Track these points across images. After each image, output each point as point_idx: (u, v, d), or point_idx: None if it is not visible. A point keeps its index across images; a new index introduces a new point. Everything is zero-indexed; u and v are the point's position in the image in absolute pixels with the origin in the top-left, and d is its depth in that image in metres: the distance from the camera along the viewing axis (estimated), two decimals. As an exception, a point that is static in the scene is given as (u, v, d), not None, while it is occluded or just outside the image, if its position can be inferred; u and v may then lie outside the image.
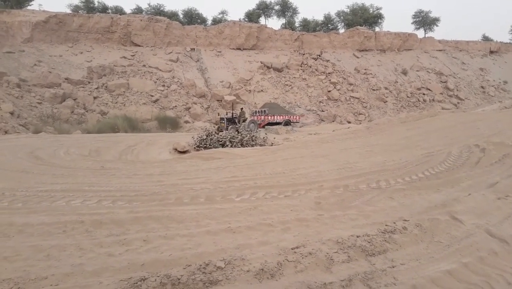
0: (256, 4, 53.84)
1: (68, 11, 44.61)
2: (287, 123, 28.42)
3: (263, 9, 53.89)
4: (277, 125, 27.42)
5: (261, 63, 44.04)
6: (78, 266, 3.13)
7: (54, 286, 2.77)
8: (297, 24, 54.34)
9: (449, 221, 3.98)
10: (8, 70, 31.33)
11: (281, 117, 28.63)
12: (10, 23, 37.39)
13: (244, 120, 24.75)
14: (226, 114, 26.71)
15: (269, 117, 27.78)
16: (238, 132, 16.09)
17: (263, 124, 27.06)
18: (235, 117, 24.71)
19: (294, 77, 43.35)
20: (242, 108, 27.20)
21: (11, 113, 24.37)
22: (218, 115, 27.75)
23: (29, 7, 42.96)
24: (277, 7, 54.38)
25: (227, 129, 23.58)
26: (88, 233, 4.02)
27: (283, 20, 55.18)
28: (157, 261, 3.18)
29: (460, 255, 3.19)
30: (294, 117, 30.22)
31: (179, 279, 2.73)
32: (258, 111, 28.77)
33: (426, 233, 3.69)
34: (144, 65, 39.96)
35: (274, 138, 17.15)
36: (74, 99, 31.28)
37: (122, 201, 5.48)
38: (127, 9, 48.11)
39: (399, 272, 2.92)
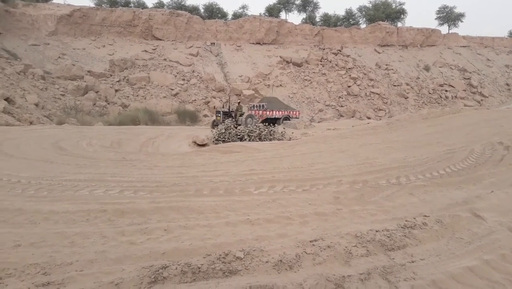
0: (277, -1, 53.63)
1: (92, 5, 45.48)
2: (286, 119, 26.97)
3: (284, 4, 53.61)
4: (276, 121, 25.80)
5: (281, 58, 43.86)
6: (101, 253, 3.22)
7: (79, 271, 2.86)
8: (318, 19, 53.93)
9: (470, 218, 3.92)
10: (34, 62, 32.13)
11: (280, 112, 27.17)
12: (35, 16, 38.29)
13: (241, 115, 23.97)
14: (223, 108, 25.82)
15: (268, 112, 26.33)
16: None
17: (262, 120, 25.49)
18: (231, 111, 23.98)
19: (314, 72, 43.03)
20: (239, 102, 26.31)
21: (36, 105, 25.02)
22: (214, 108, 26.54)
23: (54, 1, 43.85)
24: (298, 2, 54.05)
25: (223, 122, 22.67)
26: (111, 222, 4.12)
27: (303, 15, 54.86)
28: (177, 250, 3.24)
29: (481, 252, 3.15)
30: (294, 112, 28.64)
31: (199, 268, 2.79)
32: (256, 105, 27.20)
33: (447, 229, 3.64)
34: (164, 59, 40.36)
35: (292, 133, 17.10)
36: (96, 92, 31.86)
37: (143, 191, 5.59)
38: (149, 3, 48.64)
39: (419, 267, 2.90)
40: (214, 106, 28.59)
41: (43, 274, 2.83)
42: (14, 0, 39.74)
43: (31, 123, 20.91)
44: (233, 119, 23.30)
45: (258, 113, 25.81)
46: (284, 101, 37.29)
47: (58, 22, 39.23)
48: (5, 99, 22.03)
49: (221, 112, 23.48)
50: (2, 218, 4.19)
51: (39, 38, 37.35)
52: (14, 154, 9.60)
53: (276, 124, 20.13)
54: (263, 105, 26.57)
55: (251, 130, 15.06)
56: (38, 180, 6.33)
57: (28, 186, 5.89)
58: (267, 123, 22.56)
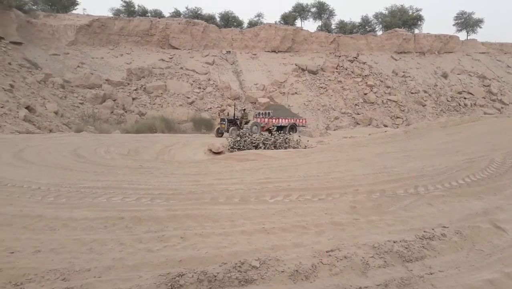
0: (293, 7, 53.96)
1: (110, 15, 46.37)
2: (293, 127, 26.57)
3: (299, 12, 53.81)
4: (282, 130, 24.97)
5: (296, 65, 43.92)
6: (119, 260, 3.25)
7: (97, 278, 2.90)
8: (333, 26, 53.86)
9: (491, 229, 3.83)
10: (54, 71, 32.95)
11: (287, 120, 26.82)
12: (56, 27, 39.34)
13: (246, 122, 23.65)
14: (228, 115, 25.44)
15: (274, 120, 25.93)
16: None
17: (267, 128, 24.96)
18: (236, 119, 23.63)
19: (329, 79, 42.90)
20: (244, 109, 26.02)
21: (55, 113, 25.63)
22: (219, 116, 26.34)
23: (74, 11, 44.97)
24: (313, 10, 54.12)
25: (227, 131, 22.51)
26: (128, 229, 4.16)
27: (319, 23, 54.93)
28: (193, 258, 3.25)
29: (502, 264, 3.07)
30: (301, 121, 28.29)
31: (215, 276, 2.79)
32: (262, 113, 26.64)
33: (466, 241, 3.57)
34: (181, 68, 40.87)
35: (308, 141, 17.05)
36: (114, 100, 32.43)
37: (160, 199, 5.64)
38: (166, 13, 49.28)
39: (438, 279, 2.85)
40: (219, 113, 28.41)
41: (62, 279, 2.87)
42: (35, 11, 40.94)
43: (50, 131, 21.39)
44: (238, 127, 23.04)
45: (264, 120, 25.55)
46: (299, 108, 37.29)
47: (77, 32, 40.22)
48: (26, 108, 22.63)
49: (226, 120, 23.19)
50: (23, 224, 4.28)
51: (59, 47, 38.32)
52: (35, 161, 9.82)
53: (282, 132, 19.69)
54: (269, 113, 26.24)
55: (266, 138, 15.05)
56: (57, 187, 6.45)
57: (48, 192, 6.01)
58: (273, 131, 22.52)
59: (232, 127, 22.52)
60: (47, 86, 29.61)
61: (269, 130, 22.86)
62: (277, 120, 26.14)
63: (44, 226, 4.22)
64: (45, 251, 3.46)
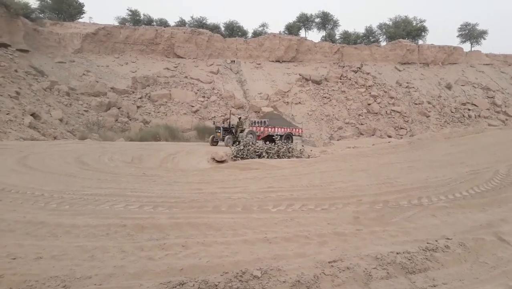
0: (297, 17, 54.25)
1: (116, 23, 46.82)
2: (288, 137, 25.71)
3: (304, 22, 54.11)
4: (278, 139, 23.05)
5: (300, 75, 44.08)
6: (120, 267, 3.24)
7: (98, 285, 2.89)
8: (337, 37, 54.08)
9: (495, 241, 3.80)
10: (59, 79, 33.24)
11: (283, 129, 26.02)
12: (62, 35, 39.80)
13: (242, 131, 23.02)
14: (223, 123, 24.87)
15: (269, 129, 25.16)
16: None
17: (262, 137, 24.60)
18: (232, 127, 23.07)
19: (333, 89, 43.00)
20: (240, 118, 25.20)
21: (60, 120, 25.79)
22: (214, 124, 25.25)
23: (80, 20, 45.49)
24: (317, 20, 54.43)
25: (223, 140, 22.12)
26: (130, 237, 4.16)
27: (323, 33, 55.16)
28: (195, 267, 3.24)
29: (507, 277, 3.04)
30: (297, 130, 27.57)
31: (216, 286, 2.78)
32: (258, 121, 26.16)
33: (470, 253, 3.54)
34: (186, 77, 41.12)
35: (311, 150, 17.03)
36: (119, 108, 32.61)
37: (162, 207, 5.64)
38: (171, 22, 49.71)
39: (441, 292, 2.82)
40: (214, 122, 27.34)
41: (63, 287, 2.87)
42: (42, 19, 41.46)
43: (55, 138, 21.51)
44: (234, 136, 22.68)
45: (260, 129, 24.92)
46: (303, 118, 37.29)
47: (83, 40, 40.66)
48: (31, 115, 22.79)
49: (221, 128, 22.69)
50: (26, 230, 4.29)
51: (65, 55, 38.71)
52: (39, 168, 9.86)
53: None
54: (265, 122, 25.68)
55: (270, 147, 15.04)
56: (61, 193, 6.47)
57: (51, 199, 6.02)
58: (268, 141, 22.10)
59: (227, 136, 22.13)
60: (53, 93, 29.84)
61: (271, 139, 22.35)
62: (273, 129, 25.46)
63: (46, 233, 4.23)
64: (47, 257, 3.46)
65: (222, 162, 13.52)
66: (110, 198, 6.21)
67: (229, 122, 23.69)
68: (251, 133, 22.96)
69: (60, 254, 3.56)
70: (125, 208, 5.56)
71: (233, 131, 23.00)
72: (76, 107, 30.10)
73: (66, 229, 4.34)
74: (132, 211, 5.41)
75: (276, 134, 24.41)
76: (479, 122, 41.63)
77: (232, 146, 21.81)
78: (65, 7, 43.51)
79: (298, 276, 2.97)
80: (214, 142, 22.59)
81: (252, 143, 15.39)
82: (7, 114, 21.00)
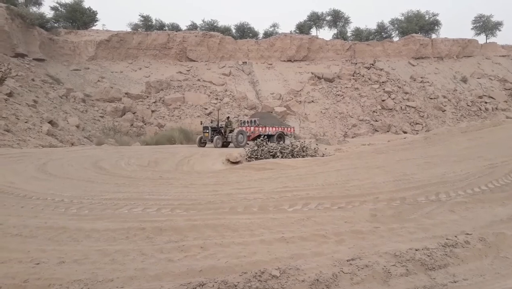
0: (308, 16, 54.11)
1: (128, 29, 47.43)
2: (280, 136, 24.62)
3: (314, 21, 53.93)
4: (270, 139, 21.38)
5: (312, 74, 43.93)
6: (141, 270, 3.29)
7: (120, 288, 2.94)
8: (349, 34, 53.77)
9: (517, 236, 3.73)
10: (75, 86, 33.87)
11: (274, 129, 24.84)
12: (77, 43, 40.52)
13: (231, 131, 22.28)
14: (211, 123, 23.92)
15: (260, 128, 24.07)
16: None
17: (253, 137, 23.01)
18: (221, 127, 22.37)
19: (346, 87, 42.72)
20: (228, 117, 24.65)
21: (77, 127, 26.25)
22: (201, 124, 23.93)
23: (93, 28, 46.22)
24: (328, 18, 54.16)
25: (211, 140, 21.25)
26: (149, 239, 4.21)
27: (334, 31, 54.88)
28: (214, 268, 3.27)
29: (529, 272, 2.98)
30: (289, 129, 26.49)
31: (235, 286, 2.80)
32: (248, 121, 25.01)
33: (491, 248, 3.48)
34: (198, 80, 41.42)
35: (326, 149, 16.94)
36: (134, 113, 33.04)
37: (180, 209, 5.69)
38: (183, 26, 50.10)
39: (462, 287, 2.78)
40: (201, 122, 25.71)
41: (86, 290, 2.93)
42: (57, 29, 42.27)
43: (72, 144, 21.89)
44: (223, 136, 22.02)
45: (250, 129, 23.87)
46: (316, 116, 37.15)
47: (97, 47, 41.31)
48: (49, 122, 23.24)
49: (209, 128, 21.80)
50: (48, 235, 4.38)
51: (80, 63, 39.42)
52: (58, 174, 10.04)
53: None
54: (255, 121, 24.46)
55: (284, 146, 15.00)
56: (80, 199, 6.59)
57: (71, 204, 6.14)
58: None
59: (216, 136, 21.34)
60: (69, 100, 30.42)
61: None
62: (264, 128, 24.28)
63: (67, 238, 4.31)
64: (69, 262, 3.53)
65: (236, 162, 13.56)
66: (128, 201, 6.30)
67: (218, 122, 22.90)
68: (241, 134, 22.27)
69: (82, 258, 3.62)
70: (144, 211, 5.63)
71: (222, 131, 22.27)
72: (92, 114, 30.61)
73: (86, 234, 4.42)
74: (151, 214, 5.47)
75: (264, 136, 21.66)
76: (496, 115, 40.79)
77: (222, 146, 21.44)
78: (79, 15, 44.27)
79: (317, 275, 2.96)
80: (202, 144, 21.76)
81: (266, 143, 15.21)
82: (25, 122, 21.46)
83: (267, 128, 24.45)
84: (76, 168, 11.34)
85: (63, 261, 3.55)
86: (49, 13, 43.37)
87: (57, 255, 3.69)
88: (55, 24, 44.05)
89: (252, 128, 23.94)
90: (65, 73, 36.40)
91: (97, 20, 47.21)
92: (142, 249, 3.86)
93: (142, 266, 3.38)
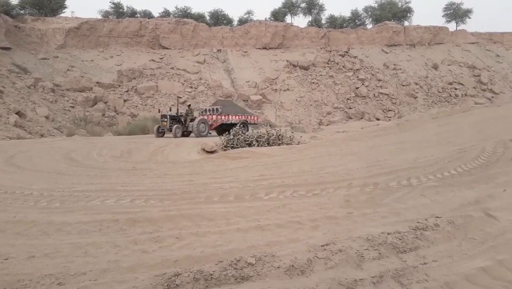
0: (282, 3, 53.88)
1: (99, 17, 46.02)
2: (244, 124, 23.35)
3: (289, 8, 53.81)
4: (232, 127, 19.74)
5: (287, 62, 43.97)
6: (114, 262, 3.25)
7: (93, 281, 2.89)
8: (323, 21, 53.95)
9: (483, 217, 3.88)
10: (43, 76, 32.71)
11: (237, 117, 23.90)
12: (44, 31, 39.03)
13: (192, 120, 21.31)
14: (170, 111, 22.76)
15: (223, 117, 23.07)
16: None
17: (216, 126, 22.63)
18: (180, 116, 21.43)
19: (321, 74, 43.02)
20: (189, 105, 23.58)
21: (46, 117, 25.46)
22: (159, 112, 22.64)
23: (62, 15, 44.60)
24: (303, 5, 54.13)
25: (170, 130, 20.20)
26: (123, 231, 4.15)
27: (309, 18, 54.95)
28: (189, 258, 3.26)
29: (494, 252, 3.11)
30: (252, 117, 25.64)
31: (211, 275, 2.80)
32: (209, 109, 23.87)
33: (459, 230, 3.61)
34: (172, 68, 40.75)
35: (301, 136, 17.07)
36: (105, 103, 32.30)
37: (154, 200, 5.63)
38: (155, 13, 49.00)
39: (431, 269, 2.88)
40: (159, 110, 24.45)
41: (57, 284, 2.86)
42: (23, 16, 40.53)
43: (42, 136, 21.25)
44: (183, 125, 21.10)
45: (212, 118, 22.85)
46: (292, 104, 37.33)
47: (66, 35, 39.89)
48: (16, 113, 22.45)
49: (168, 116, 20.68)
50: (17, 230, 4.25)
51: (48, 51, 38.00)
52: (26, 167, 9.74)
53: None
54: (217, 109, 23.36)
55: (260, 135, 15.00)
56: (50, 191, 6.41)
57: (41, 197, 5.97)
58: (221, 130, 20.29)
59: (176, 125, 20.26)
60: (37, 90, 29.38)
61: (226, 129, 19.17)
62: (226, 117, 23.30)
63: (38, 231, 4.20)
64: (40, 256, 3.44)
65: (212, 152, 13.49)
66: (100, 193, 6.18)
67: (177, 110, 21.96)
68: (203, 122, 21.46)
69: (53, 252, 3.54)
70: (117, 203, 5.54)
71: (182, 120, 21.29)
72: (62, 104, 29.72)
73: (57, 227, 4.32)
74: (124, 205, 5.39)
75: (226, 123, 22.39)
76: (465, 101, 42.11)
77: (182, 136, 20.33)
78: (46, 2, 42.59)
79: (292, 261, 3.00)
80: (160, 133, 20.67)
81: (242, 132, 15.08)
82: (-9, 113, 20.66)
83: (230, 116, 23.60)
84: (46, 160, 11.02)
85: (33, 255, 3.46)
86: (14, 0, 41.55)
87: (26, 250, 3.60)
88: (21, 11, 42.22)
89: (214, 116, 22.90)
90: (32, 62, 35.04)
91: (65, 7, 45.74)
92: (115, 241, 3.81)
93: (116, 258, 3.34)
